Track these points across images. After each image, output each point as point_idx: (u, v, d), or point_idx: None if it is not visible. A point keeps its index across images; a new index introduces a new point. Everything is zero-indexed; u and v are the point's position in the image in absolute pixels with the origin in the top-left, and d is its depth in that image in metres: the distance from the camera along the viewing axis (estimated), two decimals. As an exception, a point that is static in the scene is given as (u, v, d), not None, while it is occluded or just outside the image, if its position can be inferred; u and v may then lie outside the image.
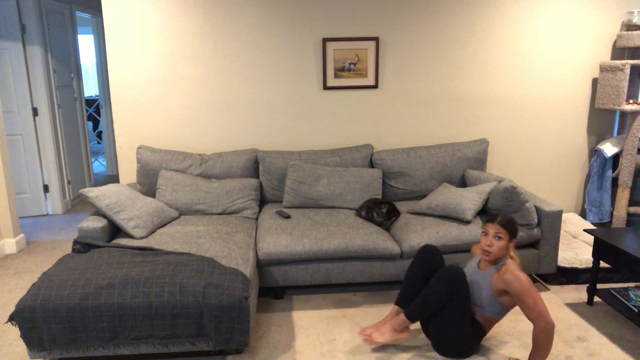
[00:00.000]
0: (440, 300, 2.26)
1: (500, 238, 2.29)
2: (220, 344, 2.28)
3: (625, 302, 2.74)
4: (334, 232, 2.96)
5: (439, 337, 2.37)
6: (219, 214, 3.34)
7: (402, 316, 2.37)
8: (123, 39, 3.57)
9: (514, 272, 2.20)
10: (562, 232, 3.67)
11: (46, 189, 4.77)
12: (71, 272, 2.37)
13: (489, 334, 2.63)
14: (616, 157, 3.85)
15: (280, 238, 2.92)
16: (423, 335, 2.61)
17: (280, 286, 3.04)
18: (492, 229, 2.30)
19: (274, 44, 3.66)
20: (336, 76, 3.73)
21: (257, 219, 3.37)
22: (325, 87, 3.74)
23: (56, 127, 4.78)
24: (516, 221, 2.33)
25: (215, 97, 3.72)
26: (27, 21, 4.40)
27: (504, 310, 2.34)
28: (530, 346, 2.50)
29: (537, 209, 3.05)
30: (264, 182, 3.60)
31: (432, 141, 3.92)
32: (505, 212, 3.03)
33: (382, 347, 2.51)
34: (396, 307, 2.51)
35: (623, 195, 3.74)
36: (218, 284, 2.29)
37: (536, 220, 3.01)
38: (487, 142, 3.71)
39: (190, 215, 3.33)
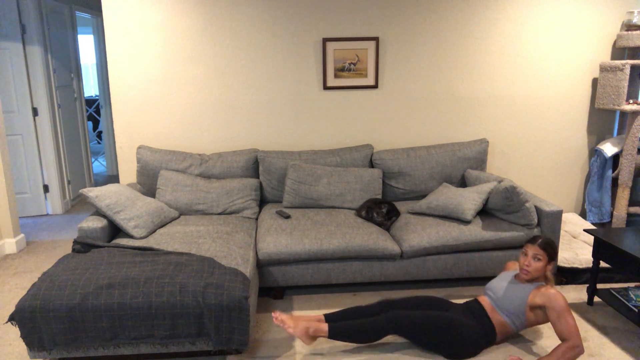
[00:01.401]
0: (366, 336, 2.35)
1: (538, 259, 2.37)
2: (220, 344, 2.28)
3: (625, 302, 2.74)
4: (334, 232, 2.96)
5: (441, 350, 2.40)
6: (219, 214, 3.34)
7: (324, 327, 2.36)
8: (123, 39, 3.57)
9: (558, 291, 2.34)
10: (562, 232, 3.67)
11: (46, 189, 4.77)
12: (71, 272, 2.37)
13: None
14: (616, 157, 3.85)
15: (280, 238, 2.92)
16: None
17: (280, 286, 3.04)
18: (532, 250, 2.39)
19: (274, 44, 3.67)
20: (336, 76, 3.73)
21: (257, 219, 3.37)
22: (325, 87, 3.74)
23: (56, 127, 4.78)
24: (556, 244, 2.45)
25: (215, 97, 3.72)
26: (27, 21, 4.40)
27: (525, 324, 2.43)
28: (534, 348, 2.50)
29: (537, 209, 3.05)
30: (264, 182, 3.60)
31: (432, 141, 3.92)
32: (505, 212, 3.03)
33: (382, 348, 2.51)
34: (324, 316, 2.50)
35: (623, 195, 3.74)
36: (218, 284, 2.29)
37: (536, 220, 3.01)
38: (487, 142, 3.71)
39: (190, 215, 3.33)
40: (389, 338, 2.59)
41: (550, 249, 2.39)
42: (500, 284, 2.51)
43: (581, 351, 2.22)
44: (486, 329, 2.41)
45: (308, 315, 2.49)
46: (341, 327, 2.36)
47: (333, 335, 2.36)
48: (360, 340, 2.37)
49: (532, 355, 2.43)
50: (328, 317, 2.49)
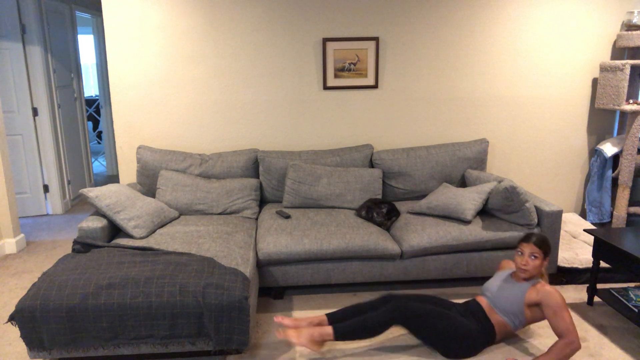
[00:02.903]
0: (374, 330, 2.32)
1: (535, 257, 2.37)
2: (220, 344, 2.28)
3: (625, 302, 2.74)
4: (334, 232, 2.96)
5: (440, 346, 2.40)
6: (219, 214, 3.34)
7: (329, 330, 2.32)
8: (123, 39, 3.57)
9: (554, 288, 2.33)
10: (562, 232, 3.67)
11: (46, 189, 4.77)
12: (71, 272, 2.37)
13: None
14: (616, 157, 3.85)
15: (280, 238, 2.92)
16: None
17: (280, 286, 3.04)
18: (528, 248, 2.38)
19: (274, 44, 3.67)
20: (336, 76, 3.73)
21: (257, 219, 3.37)
22: (325, 87, 3.74)
23: (56, 127, 4.78)
24: (549, 240, 2.46)
25: (215, 97, 3.72)
26: (27, 21, 4.40)
27: (523, 323, 2.43)
28: (530, 347, 2.51)
29: (537, 209, 3.05)
30: (264, 182, 3.60)
31: (432, 141, 3.92)
32: (505, 211, 3.03)
33: (382, 348, 2.51)
34: (326, 318, 2.47)
35: (623, 195, 3.74)
36: (218, 284, 2.29)
37: (536, 220, 3.01)
38: (487, 142, 3.71)
39: (190, 215, 3.33)
40: (391, 338, 2.58)
41: (546, 245, 2.38)
42: (496, 284, 2.51)
43: (578, 347, 2.21)
44: (486, 329, 2.41)
45: (309, 317, 2.47)
46: (346, 326, 2.34)
47: (338, 336, 2.32)
48: (366, 336, 2.34)
49: (532, 356, 2.43)
50: (330, 317, 2.48)
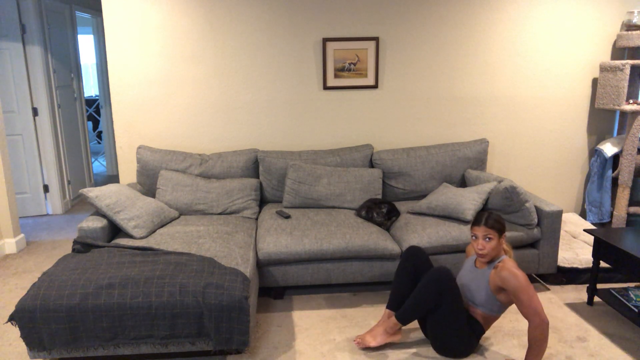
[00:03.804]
0: (429, 302, 2.28)
1: (490, 239, 2.28)
2: (220, 344, 2.28)
3: (625, 302, 2.74)
4: (334, 232, 2.96)
5: (436, 338, 2.38)
6: (219, 214, 3.34)
7: (393, 319, 2.39)
8: (123, 39, 3.57)
9: (511, 270, 2.20)
10: (562, 232, 3.67)
11: (46, 189, 4.77)
12: (71, 272, 2.37)
13: (487, 334, 2.63)
14: (616, 157, 3.85)
15: (280, 238, 2.92)
16: (422, 335, 2.61)
17: (280, 286, 3.04)
18: (480, 231, 2.29)
19: (274, 44, 3.67)
20: (336, 76, 3.73)
21: (257, 219, 3.37)
22: (325, 87, 3.74)
23: (56, 127, 4.78)
24: (501, 217, 2.33)
25: (215, 97, 3.72)
26: (27, 21, 4.40)
27: (502, 307, 2.35)
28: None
29: (537, 209, 3.05)
30: (264, 182, 3.60)
31: (432, 141, 3.92)
32: (505, 211, 3.03)
33: (382, 347, 2.51)
34: (388, 310, 2.52)
35: (623, 195, 3.74)
36: (218, 284, 2.29)
37: (536, 220, 3.01)
38: (487, 142, 3.71)
39: (190, 215, 3.33)
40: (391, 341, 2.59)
41: (498, 224, 2.27)
42: (464, 278, 2.45)
43: (545, 324, 2.12)
44: (472, 325, 2.38)
45: (378, 323, 2.53)
46: (406, 310, 2.34)
47: (404, 320, 2.36)
48: (428, 307, 2.30)
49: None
50: (390, 306, 2.51)
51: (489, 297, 2.32)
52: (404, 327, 2.67)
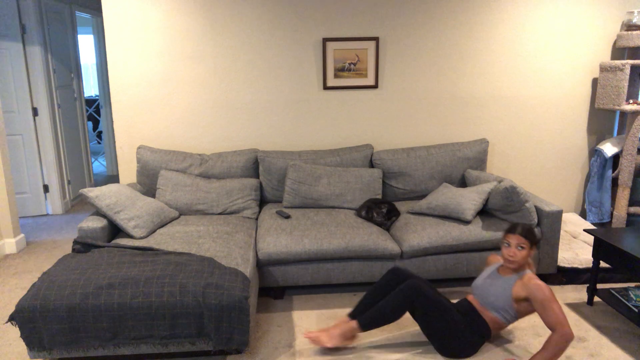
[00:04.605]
0: (394, 313, 2.35)
1: (522, 248, 2.35)
2: (220, 344, 2.28)
3: (625, 302, 2.74)
4: (334, 232, 2.96)
5: (435, 340, 2.41)
6: (219, 214, 3.34)
7: (353, 324, 2.40)
8: (123, 39, 3.57)
9: (538, 282, 2.29)
10: (562, 232, 3.67)
11: (46, 189, 4.77)
12: (71, 272, 2.37)
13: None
14: (616, 157, 3.85)
15: (280, 238, 2.92)
16: (423, 335, 2.61)
17: (280, 286, 3.04)
18: (515, 239, 2.36)
19: (274, 44, 3.67)
20: (336, 76, 3.73)
21: (257, 219, 3.37)
22: (325, 87, 3.74)
23: (56, 127, 4.78)
24: (535, 229, 2.43)
25: (215, 97, 3.72)
26: (27, 21, 4.40)
27: (515, 317, 2.41)
28: (530, 347, 2.50)
29: (537, 209, 3.05)
30: (264, 182, 3.60)
31: (432, 141, 3.92)
32: (505, 212, 3.03)
33: (382, 347, 2.51)
34: (347, 316, 2.55)
35: (623, 195, 3.74)
36: (218, 284, 2.29)
37: (536, 220, 3.01)
38: (487, 142, 3.71)
39: (190, 215, 3.33)
40: (391, 338, 2.59)
41: (532, 235, 2.36)
42: (484, 281, 2.49)
43: (571, 337, 2.18)
44: (479, 327, 2.40)
45: (334, 324, 2.50)
46: (368, 317, 2.37)
47: (365, 327, 2.38)
48: (389, 321, 2.37)
49: (530, 354, 2.43)
50: (351, 315, 2.52)
51: (507, 304, 2.37)
52: (400, 328, 2.67)
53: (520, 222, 2.41)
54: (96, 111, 8.37)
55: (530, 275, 2.35)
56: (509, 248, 2.37)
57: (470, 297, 2.52)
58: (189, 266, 2.43)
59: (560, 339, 2.19)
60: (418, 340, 2.57)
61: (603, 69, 3.73)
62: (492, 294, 2.41)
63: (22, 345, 2.58)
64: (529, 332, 2.65)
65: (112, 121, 6.03)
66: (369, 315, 2.38)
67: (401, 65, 3.76)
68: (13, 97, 4.48)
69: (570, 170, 4.07)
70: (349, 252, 2.89)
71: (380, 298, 2.52)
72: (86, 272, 2.37)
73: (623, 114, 3.98)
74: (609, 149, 3.78)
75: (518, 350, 2.49)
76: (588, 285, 3.02)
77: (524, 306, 2.36)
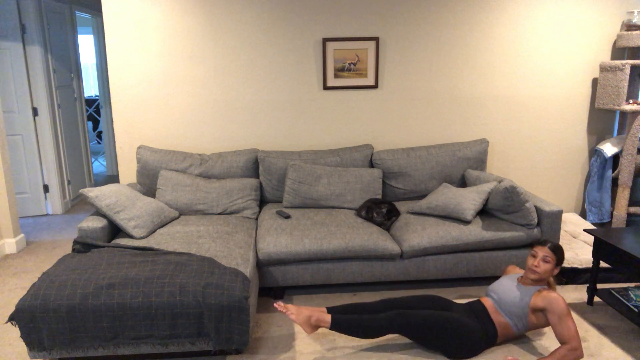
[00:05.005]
0: (371, 333, 2.35)
1: (547, 262, 2.40)
2: (220, 344, 2.28)
3: (625, 302, 2.74)
4: (334, 232, 2.96)
5: (439, 348, 2.42)
6: (219, 214, 3.34)
7: (327, 317, 2.36)
8: (123, 39, 3.57)
9: (558, 294, 2.35)
10: (562, 232, 3.67)
11: (46, 189, 4.77)
12: (71, 272, 2.37)
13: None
14: (616, 157, 3.85)
15: (280, 238, 2.92)
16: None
17: (280, 286, 3.04)
18: (542, 251, 2.42)
19: (274, 44, 3.67)
20: (336, 76, 3.73)
21: (257, 219, 3.37)
22: (325, 87, 3.74)
23: (56, 127, 4.78)
24: (563, 250, 2.48)
25: (215, 97, 3.72)
26: (27, 21, 4.40)
27: (526, 328, 2.44)
28: (530, 347, 2.51)
29: (537, 209, 3.05)
30: (264, 182, 3.60)
31: (432, 141, 3.92)
32: (505, 212, 3.03)
33: (382, 347, 2.51)
34: (325, 308, 2.51)
35: (623, 195, 3.74)
36: (218, 284, 2.29)
37: (536, 220, 3.01)
38: (487, 142, 3.71)
39: (190, 215, 3.33)
40: (391, 337, 2.59)
41: (560, 252, 2.43)
42: (503, 285, 2.52)
43: (580, 354, 2.23)
44: (488, 330, 2.42)
45: (310, 308, 2.47)
46: (344, 319, 2.36)
47: (335, 326, 2.35)
48: (361, 335, 2.36)
49: (532, 356, 2.43)
50: (331, 309, 2.50)
51: (522, 312, 2.40)
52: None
53: (551, 239, 2.50)
54: (96, 111, 8.37)
55: (549, 290, 2.41)
56: (535, 259, 2.43)
57: (483, 299, 2.54)
58: (189, 266, 2.43)
59: (570, 353, 2.23)
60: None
61: (603, 69, 3.73)
62: (510, 299, 2.44)
63: (22, 345, 2.58)
64: (530, 332, 2.65)
65: (112, 121, 6.03)
66: (346, 320, 2.36)
67: (401, 65, 3.76)
68: (13, 97, 4.48)
69: (570, 170, 4.07)
70: (349, 252, 2.89)
71: (365, 314, 2.49)
72: (86, 272, 2.37)
73: (623, 114, 3.98)
74: (609, 149, 3.78)
75: (518, 350, 2.49)
76: (588, 285, 3.02)
77: (539, 317, 2.39)
